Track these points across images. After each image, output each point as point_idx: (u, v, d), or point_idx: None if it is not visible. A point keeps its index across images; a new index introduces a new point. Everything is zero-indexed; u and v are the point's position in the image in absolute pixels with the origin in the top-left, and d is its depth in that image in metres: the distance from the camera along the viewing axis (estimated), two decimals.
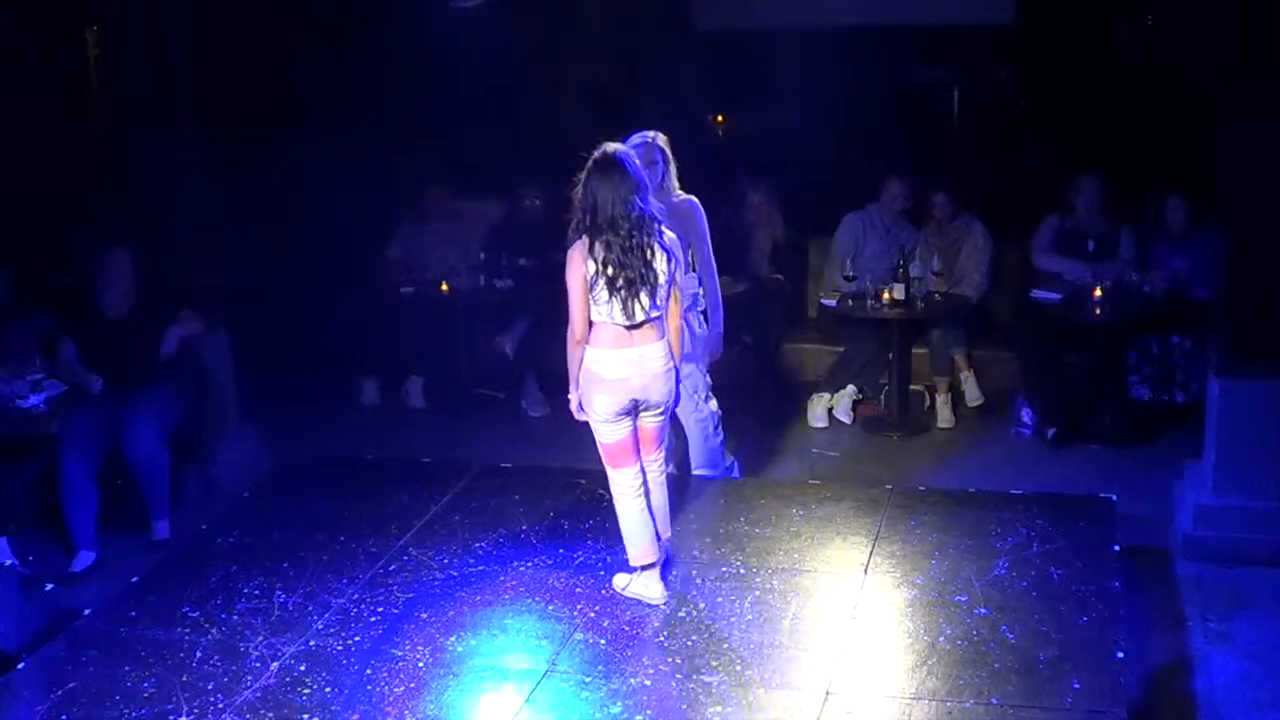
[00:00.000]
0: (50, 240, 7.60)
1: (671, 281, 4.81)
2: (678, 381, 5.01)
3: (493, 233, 8.49)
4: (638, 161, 4.84)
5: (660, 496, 5.16)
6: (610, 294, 4.70)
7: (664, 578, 5.09)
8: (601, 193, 4.67)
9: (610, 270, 4.67)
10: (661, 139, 5.98)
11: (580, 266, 4.71)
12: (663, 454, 5.18)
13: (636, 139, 5.96)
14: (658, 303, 4.77)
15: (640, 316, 4.74)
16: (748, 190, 8.05)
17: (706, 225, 6.08)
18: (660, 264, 4.74)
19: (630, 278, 4.68)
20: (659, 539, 5.10)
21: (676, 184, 6.05)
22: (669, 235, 4.86)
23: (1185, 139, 7.78)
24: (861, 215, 8.06)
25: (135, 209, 7.06)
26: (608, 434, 4.91)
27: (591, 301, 4.74)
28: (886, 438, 7.60)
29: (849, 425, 7.76)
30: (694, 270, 6.10)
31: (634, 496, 4.98)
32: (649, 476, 5.09)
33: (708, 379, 6.26)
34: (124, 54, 7.02)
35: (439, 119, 8.87)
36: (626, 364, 4.79)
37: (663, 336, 4.85)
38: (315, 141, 8.18)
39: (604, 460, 5.01)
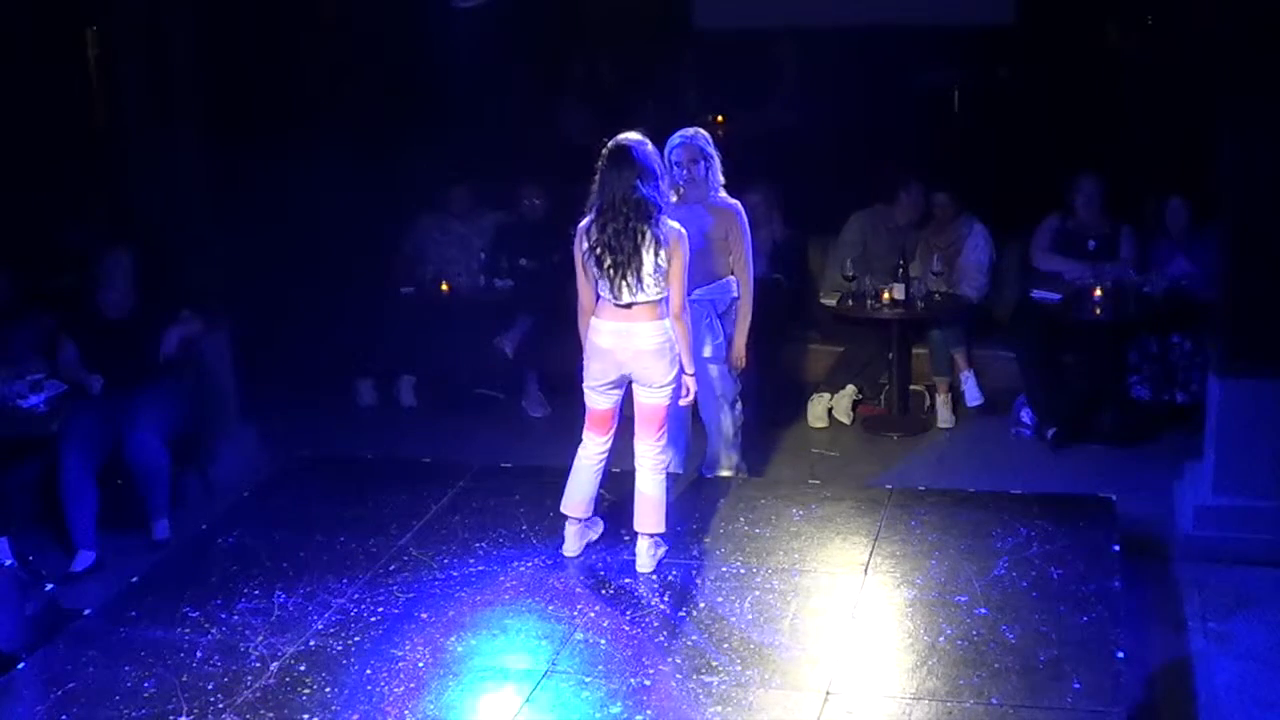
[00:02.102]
0: (50, 240, 7.60)
1: (661, 270, 4.97)
2: (681, 369, 5.13)
3: (495, 233, 8.48)
4: (649, 149, 5.04)
5: (653, 489, 5.20)
6: (600, 272, 4.98)
7: (663, 577, 5.13)
8: (606, 178, 4.97)
9: (599, 251, 4.97)
10: (704, 135, 6.01)
11: (579, 244, 5.06)
12: (660, 444, 5.21)
13: (677, 138, 6.00)
14: (644, 287, 4.97)
15: (626, 298, 4.99)
16: (747, 190, 8.03)
17: (748, 229, 6.10)
18: (649, 251, 4.94)
19: (618, 260, 4.95)
20: (592, 519, 5.34)
21: (721, 181, 6.05)
22: (670, 225, 5.00)
23: (1185, 139, 7.77)
24: (871, 214, 8.04)
25: (135, 209, 7.05)
26: (591, 401, 5.21)
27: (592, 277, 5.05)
28: (886, 438, 7.59)
29: (849, 425, 7.76)
30: (732, 274, 6.10)
31: (588, 456, 5.25)
32: (643, 465, 5.19)
33: (738, 384, 6.26)
34: (124, 54, 7.01)
35: (439, 119, 8.86)
36: (614, 336, 5.06)
37: (660, 318, 5.04)
38: (315, 141, 8.19)
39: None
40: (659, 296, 5.01)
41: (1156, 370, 7.26)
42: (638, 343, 5.05)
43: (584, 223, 5.04)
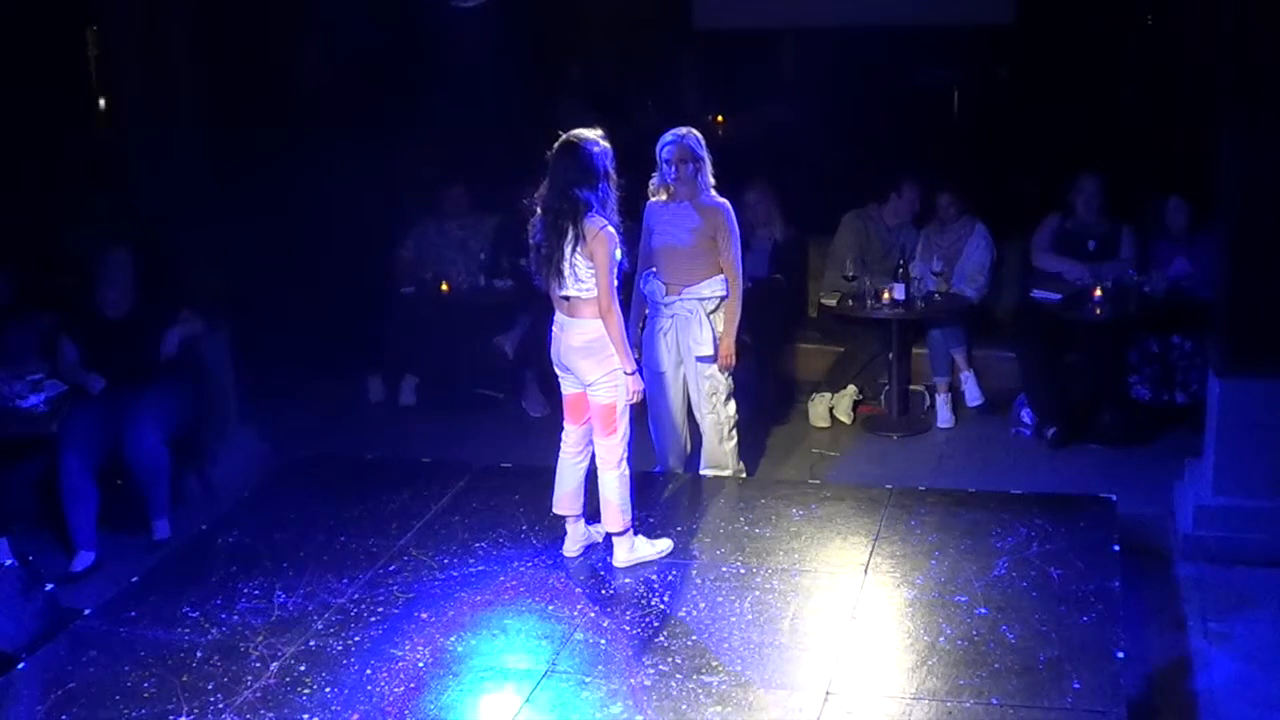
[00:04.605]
0: (50, 240, 7.60)
1: (575, 268, 5.03)
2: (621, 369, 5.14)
3: (495, 233, 8.48)
4: (598, 149, 5.06)
5: (605, 489, 5.24)
6: (538, 264, 5.10)
7: (663, 577, 5.15)
8: (551, 174, 5.06)
9: (534, 243, 5.10)
10: (695, 136, 6.02)
11: (529, 235, 5.21)
12: (610, 442, 5.21)
13: (669, 136, 6.01)
14: (566, 283, 5.07)
15: (558, 291, 5.10)
16: (747, 190, 8.04)
17: (736, 229, 6.11)
18: (569, 246, 5.01)
19: (546, 254, 5.06)
20: (595, 522, 5.35)
21: (712, 182, 6.06)
22: (595, 222, 5.00)
23: (1185, 139, 7.77)
24: (863, 214, 8.05)
25: (135, 209, 7.05)
26: (561, 385, 5.36)
27: None
28: (886, 438, 7.60)
29: (849, 425, 7.76)
30: (721, 273, 6.11)
31: (566, 449, 5.36)
32: (598, 463, 5.28)
33: (730, 382, 6.26)
34: (124, 54, 7.01)
35: (438, 119, 8.86)
36: (556, 327, 5.26)
37: (591, 317, 5.09)
38: (315, 141, 8.18)
39: None
40: (587, 294, 5.05)
41: (1156, 370, 7.26)
42: (569, 337, 5.16)
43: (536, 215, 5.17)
